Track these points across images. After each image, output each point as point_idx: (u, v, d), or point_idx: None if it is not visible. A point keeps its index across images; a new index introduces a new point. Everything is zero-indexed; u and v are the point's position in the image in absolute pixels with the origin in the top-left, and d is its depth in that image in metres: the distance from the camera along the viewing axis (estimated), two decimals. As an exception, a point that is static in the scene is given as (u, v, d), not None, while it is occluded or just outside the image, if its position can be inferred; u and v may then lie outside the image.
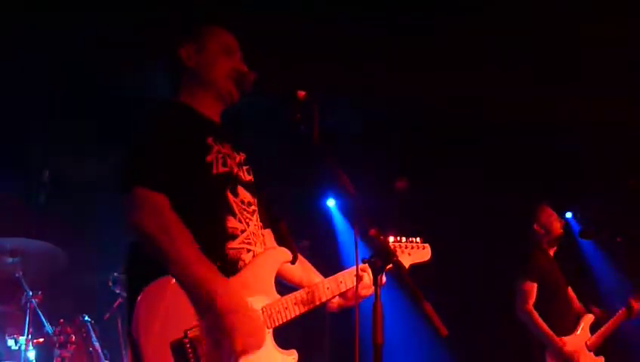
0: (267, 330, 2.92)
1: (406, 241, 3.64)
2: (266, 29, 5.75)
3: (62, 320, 5.86)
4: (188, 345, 2.65)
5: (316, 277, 3.34)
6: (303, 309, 3.08)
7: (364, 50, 6.39)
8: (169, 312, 2.67)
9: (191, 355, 2.64)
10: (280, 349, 2.96)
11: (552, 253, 6.41)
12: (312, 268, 3.42)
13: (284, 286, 3.22)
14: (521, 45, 6.39)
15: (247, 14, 5.44)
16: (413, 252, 3.63)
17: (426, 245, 3.71)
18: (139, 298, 2.66)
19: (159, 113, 3.01)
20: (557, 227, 6.36)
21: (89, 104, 6.95)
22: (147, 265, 2.72)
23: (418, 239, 3.70)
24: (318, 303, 3.16)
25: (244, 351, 2.74)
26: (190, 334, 2.66)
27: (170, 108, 3.09)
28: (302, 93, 3.03)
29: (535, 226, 6.37)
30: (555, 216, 6.40)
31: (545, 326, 5.95)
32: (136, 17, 5.95)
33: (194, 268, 2.69)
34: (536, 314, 5.98)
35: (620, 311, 6.31)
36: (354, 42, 6.29)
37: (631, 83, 6.72)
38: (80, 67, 6.58)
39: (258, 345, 2.82)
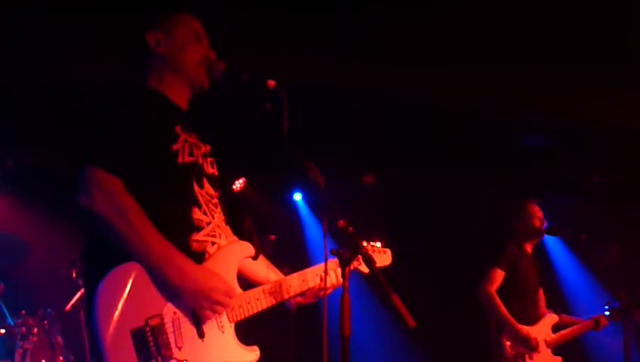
0: (229, 324, 2.89)
1: (367, 245, 3.60)
2: (231, 15, 5.69)
3: (24, 312, 5.80)
4: (149, 334, 2.61)
5: (275, 275, 3.31)
6: (264, 305, 3.06)
7: (332, 37, 6.33)
8: (129, 300, 2.62)
9: (152, 344, 2.61)
10: (242, 345, 2.93)
11: (529, 248, 6.38)
12: (272, 266, 3.38)
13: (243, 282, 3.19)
14: (485, 40, 6.39)
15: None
16: (374, 256, 3.61)
17: (387, 250, 3.72)
18: (99, 285, 2.60)
19: (127, 98, 2.93)
20: (536, 225, 6.30)
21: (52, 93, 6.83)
22: (105, 251, 2.66)
23: (379, 244, 3.70)
24: (280, 300, 3.14)
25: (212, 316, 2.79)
26: (151, 322, 2.62)
27: (139, 94, 3.02)
28: (272, 83, 3.00)
29: (515, 220, 6.36)
30: (538, 215, 6.34)
31: (503, 307, 5.91)
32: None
33: (154, 249, 2.65)
34: (496, 297, 5.94)
35: (588, 321, 6.33)
36: (321, 29, 6.23)
37: (595, 79, 6.77)
38: (44, 57, 6.46)
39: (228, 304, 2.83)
